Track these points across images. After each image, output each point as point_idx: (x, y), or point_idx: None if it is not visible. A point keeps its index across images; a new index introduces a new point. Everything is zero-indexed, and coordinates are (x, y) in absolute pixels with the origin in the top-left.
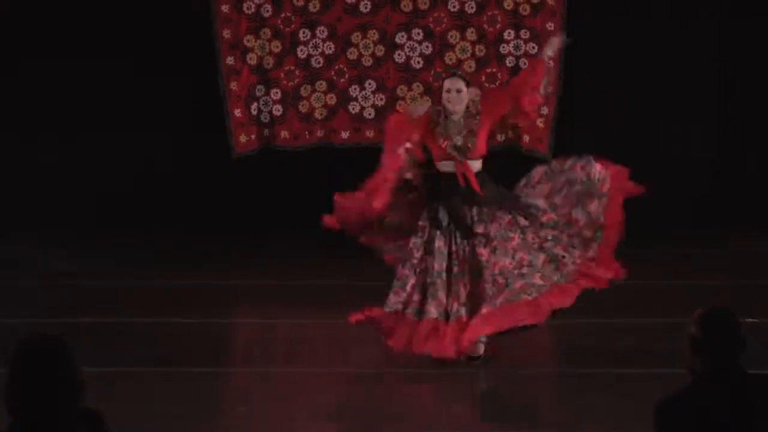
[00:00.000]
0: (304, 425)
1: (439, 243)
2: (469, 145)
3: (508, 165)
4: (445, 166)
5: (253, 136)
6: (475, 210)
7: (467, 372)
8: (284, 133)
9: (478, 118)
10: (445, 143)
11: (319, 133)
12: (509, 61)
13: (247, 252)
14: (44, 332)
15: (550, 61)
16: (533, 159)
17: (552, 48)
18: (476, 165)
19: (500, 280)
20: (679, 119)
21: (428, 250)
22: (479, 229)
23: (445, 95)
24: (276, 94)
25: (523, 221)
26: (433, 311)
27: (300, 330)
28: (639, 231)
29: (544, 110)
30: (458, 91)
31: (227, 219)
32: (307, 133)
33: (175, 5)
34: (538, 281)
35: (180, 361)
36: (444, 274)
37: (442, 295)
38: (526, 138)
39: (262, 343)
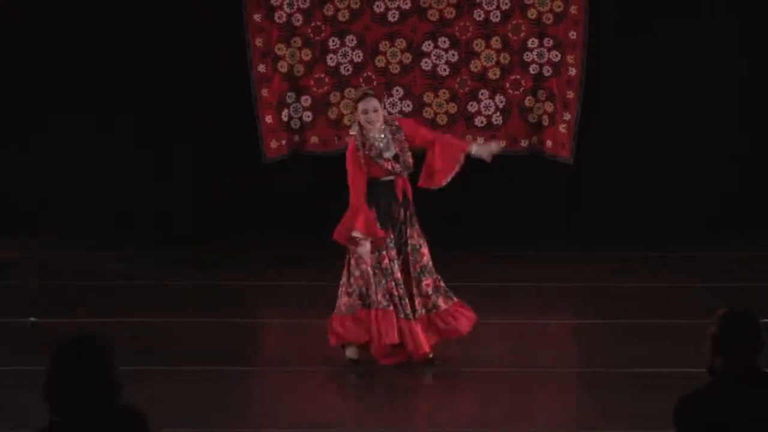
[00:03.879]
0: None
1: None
2: (404, 160)
3: (531, 170)
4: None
5: (283, 142)
6: (406, 214)
7: (485, 372)
8: (314, 139)
9: (401, 133)
10: (388, 163)
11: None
12: (533, 69)
13: (275, 255)
14: (82, 331)
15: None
16: (556, 164)
17: (487, 152)
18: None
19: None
20: (697, 122)
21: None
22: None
23: (363, 116)
24: (306, 100)
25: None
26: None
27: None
28: (662, 234)
29: (567, 116)
30: (375, 110)
31: (258, 222)
32: (336, 138)
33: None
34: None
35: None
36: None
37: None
38: (548, 143)
39: (294, 343)
